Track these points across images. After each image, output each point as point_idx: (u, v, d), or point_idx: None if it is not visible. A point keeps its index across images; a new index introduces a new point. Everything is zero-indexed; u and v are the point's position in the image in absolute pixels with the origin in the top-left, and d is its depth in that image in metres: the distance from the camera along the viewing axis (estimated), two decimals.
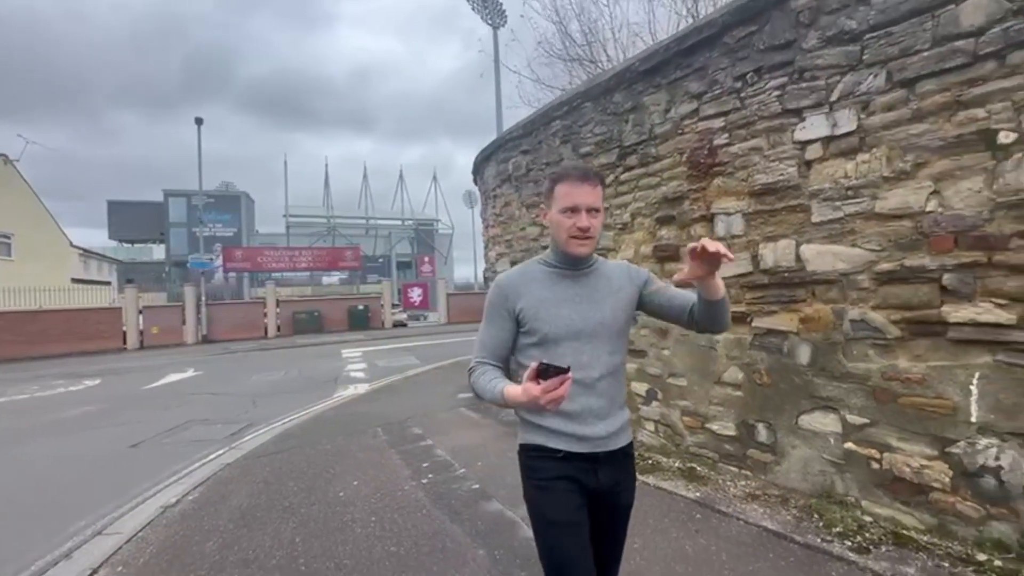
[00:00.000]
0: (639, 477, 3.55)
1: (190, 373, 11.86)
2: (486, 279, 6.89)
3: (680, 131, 3.74)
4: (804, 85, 2.97)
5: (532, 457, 1.39)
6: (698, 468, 3.61)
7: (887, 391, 2.66)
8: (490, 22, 17.16)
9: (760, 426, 3.29)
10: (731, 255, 1.20)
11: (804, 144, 2.99)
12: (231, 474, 4.28)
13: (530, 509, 1.40)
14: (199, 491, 3.92)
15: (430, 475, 3.98)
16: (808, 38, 2.95)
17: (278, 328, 23.15)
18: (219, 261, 28.27)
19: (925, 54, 2.48)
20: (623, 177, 4.27)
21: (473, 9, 17.48)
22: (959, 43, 2.37)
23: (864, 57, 2.71)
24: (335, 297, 26.45)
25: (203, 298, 21.41)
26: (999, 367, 2.29)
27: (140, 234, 42.77)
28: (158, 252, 44.07)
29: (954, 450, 2.44)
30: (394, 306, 26.49)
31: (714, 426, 3.58)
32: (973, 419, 2.37)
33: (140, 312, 20.58)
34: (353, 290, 30.52)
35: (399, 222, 47.49)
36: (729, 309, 1.40)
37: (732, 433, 3.46)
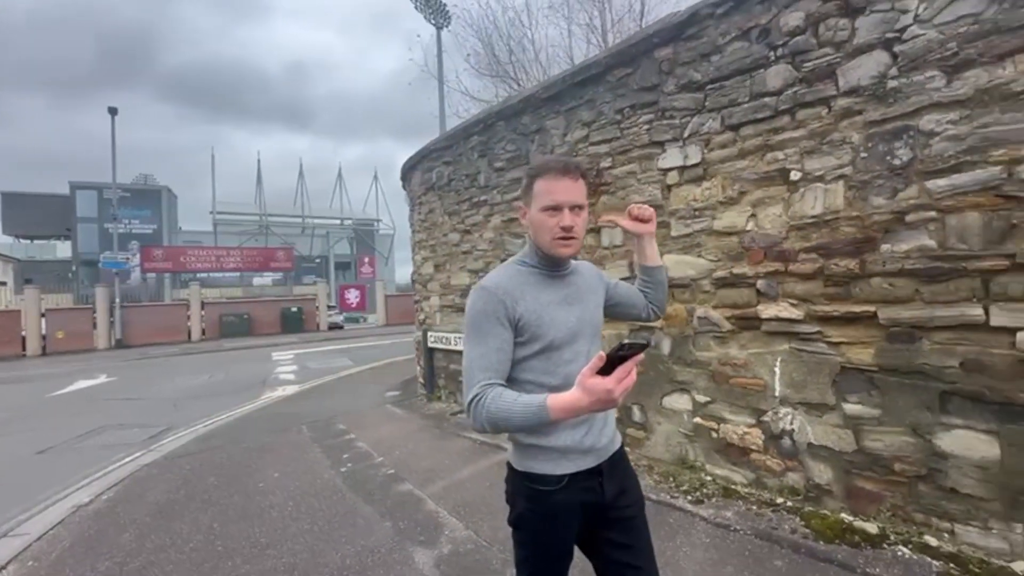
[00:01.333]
0: None
1: (102, 379, 11.24)
2: (413, 282, 7.20)
3: (575, 153, 4.28)
4: (665, 122, 3.58)
5: (538, 490, 1.24)
6: None
7: (722, 374, 3.30)
8: (433, 22, 17.31)
9: (635, 408, 3.88)
10: (646, 213, 1.47)
11: (665, 171, 3.60)
12: (149, 473, 4.36)
13: (525, 540, 1.29)
14: (115, 490, 3.99)
15: (349, 464, 4.27)
16: (668, 84, 3.56)
17: (203, 332, 22.06)
18: (136, 260, 26.43)
19: (745, 105, 3.13)
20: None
21: (416, 8, 17.57)
22: (767, 99, 3.02)
23: (706, 103, 3.34)
24: (267, 299, 25.53)
25: (117, 300, 20.02)
26: (792, 352, 2.96)
27: (41, 230, 38.91)
28: (63, 250, 40.28)
29: (765, 419, 3.09)
30: (330, 308, 25.94)
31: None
32: (776, 393, 3.04)
33: (43, 315, 18.94)
34: (287, 292, 29.50)
35: (338, 222, 46.21)
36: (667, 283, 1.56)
37: (616, 415, 4.02)
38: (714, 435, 3.36)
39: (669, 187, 3.58)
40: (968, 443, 2.36)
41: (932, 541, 2.44)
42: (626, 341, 0.94)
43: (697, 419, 3.46)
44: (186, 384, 9.83)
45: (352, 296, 27.57)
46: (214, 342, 20.73)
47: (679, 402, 3.57)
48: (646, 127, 3.71)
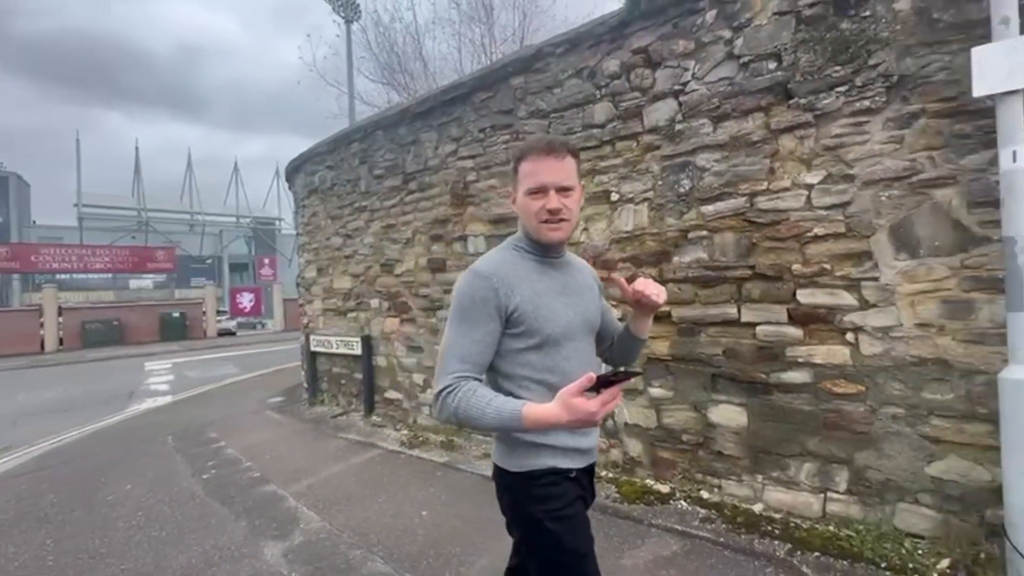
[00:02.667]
0: (408, 452, 4.29)
1: None
2: (297, 285, 7.09)
3: (445, 166, 4.59)
4: (519, 144, 3.99)
5: (546, 484, 1.16)
6: (456, 440, 4.46)
7: None
8: (343, 14, 16.79)
9: None
10: (660, 299, 1.25)
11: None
12: None
13: (547, 545, 1.15)
14: None
15: (213, 471, 4.20)
16: (520, 109, 3.98)
17: (60, 341, 19.38)
18: None
19: (579, 134, 3.62)
20: (407, 199, 5.00)
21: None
22: (594, 130, 3.54)
23: (550, 129, 3.80)
24: (143, 303, 23.03)
25: None
26: None
27: None
28: None
29: None
30: (220, 313, 24.03)
31: None
32: None
33: None
34: (169, 296, 26.80)
35: (233, 219, 42.71)
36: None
37: None
38: None
39: None
40: (728, 415, 2.98)
41: (705, 495, 3.04)
42: (621, 369, 0.94)
43: None
44: (32, 400, 8.72)
45: (246, 300, 25.69)
46: (74, 352, 18.30)
47: None
48: (504, 146, 4.11)
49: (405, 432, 4.84)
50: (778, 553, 2.44)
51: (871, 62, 2.47)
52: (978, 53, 2.06)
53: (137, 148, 45.52)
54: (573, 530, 1.16)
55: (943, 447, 2.33)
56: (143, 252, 26.90)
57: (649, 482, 3.26)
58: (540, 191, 1.16)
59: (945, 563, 2.23)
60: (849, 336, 2.58)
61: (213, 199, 43.13)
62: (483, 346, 1.13)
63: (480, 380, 1.12)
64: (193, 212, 40.09)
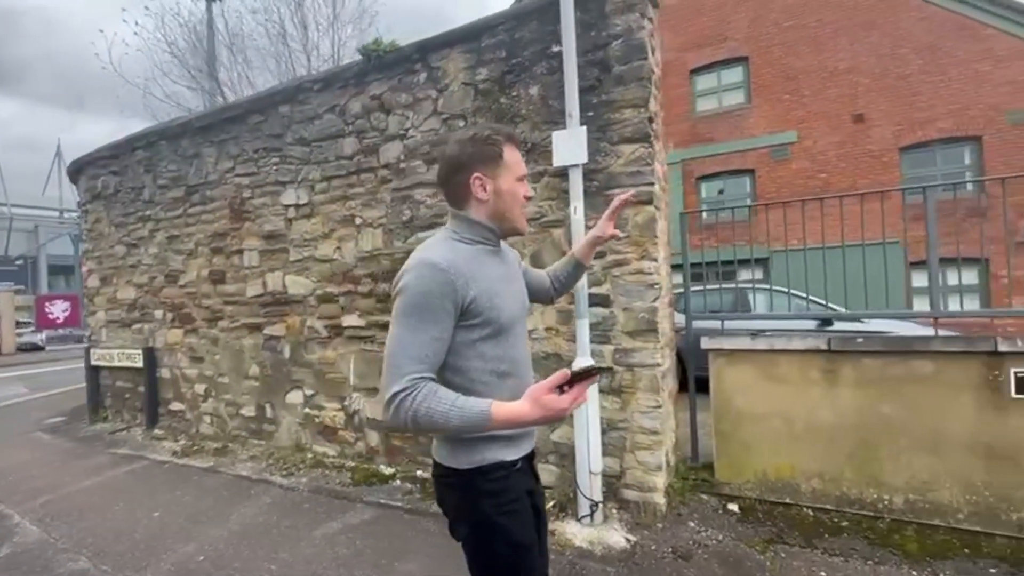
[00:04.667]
0: (176, 461, 4.36)
1: None
2: (81, 295, 6.58)
3: (224, 182, 4.75)
4: (286, 166, 4.34)
5: (497, 478, 1.14)
6: (231, 445, 4.63)
7: (322, 372, 4.18)
8: None
9: (267, 406, 4.52)
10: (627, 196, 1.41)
11: (286, 207, 4.36)
12: None
13: (493, 539, 1.14)
14: None
15: None
16: (288, 135, 4.33)
17: None
18: None
19: (334, 163, 4.08)
20: (190, 211, 5.04)
21: None
22: (344, 161, 4.02)
23: (312, 157, 4.20)
24: None
25: None
26: (360, 352, 3.99)
27: None
28: None
29: (345, 403, 4.06)
30: (23, 324, 20.41)
31: (244, 411, 4.67)
32: (351, 383, 4.02)
33: None
34: None
35: (55, 213, 36.27)
36: None
37: (253, 414, 4.61)
38: (317, 420, 4.21)
39: (289, 220, 4.35)
40: None
41: (420, 473, 3.65)
42: (593, 365, 0.97)
43: (307, 409, 4.27)
44: None
45: (58, 309, 22.00)
46: None
47: (296, 397, 4.34)
48: (274, 168, 4.42)
49: (183, 442, 4.87)
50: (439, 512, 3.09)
51: (518, 131, 3.27)
52: (556, 135, 2.91)
53: None
54: (521, 524, 1.15)
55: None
56: None
57: (381, 468, 3.80)
58: (523, 179, 1.21)
59: (552, 503, 3.04)
60: None
61: (27, 189, 36.33)
62: (440, 344, 1.07)
63: (435, 380, 1.05)
64: None
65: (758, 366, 3.04)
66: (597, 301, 3.06)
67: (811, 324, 5.01)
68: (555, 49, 3.09)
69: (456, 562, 2.54)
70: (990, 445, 2.53)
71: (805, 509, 2.90)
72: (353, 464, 3.93)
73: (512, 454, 1.17)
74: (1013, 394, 2.48)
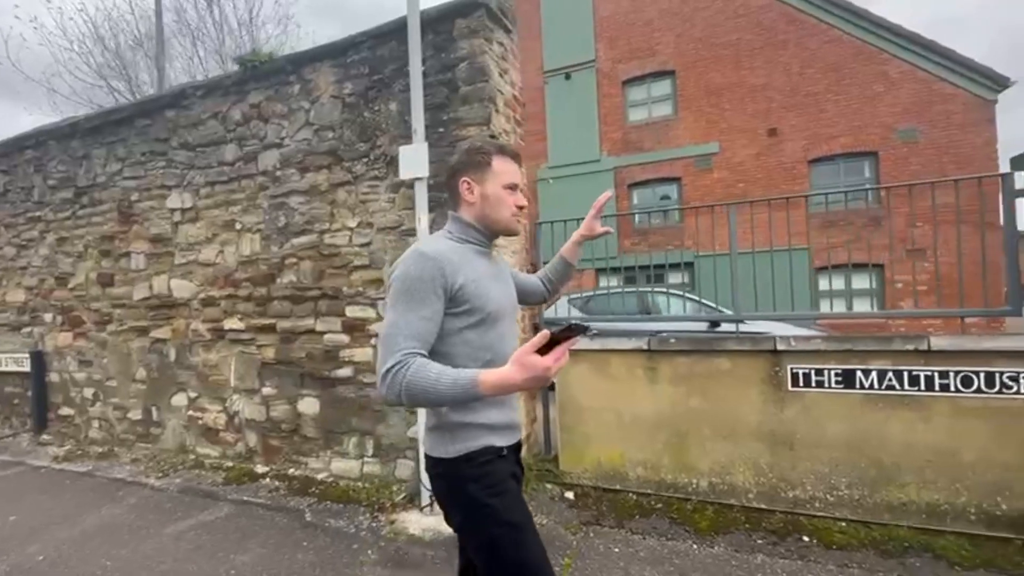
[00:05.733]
0: (54, 467, 4.31)
1: None
2: None
3: (113, 184, 4.72)
4: (172, 170, 4.38)
5: (483, 463, 1.20)
6: (117, 449, 4.61)
7: (204, 374, 4.23)
8: None
9: (153, 409, 4.53)
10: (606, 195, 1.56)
11: (172, 210, 4.39)
12: None
13: (485, 521, 1.18)
14: None
15: None
16: (173, 140, 4.36)
17: None
18: None
19: (216, 169, 4.14)
20: (80, 213, 4.97)
21: None
22: (226, 168, 4.09)
23: (196, 162, 4.25)
24: None
25: None
26: (240, 354, 4.07)
27: None
28: None
29: (227, 404, 4.13)
30: None
31: (131, 414, 4.65)
32: (232, 385, 4.10)
33: None
34: None
35: None
36: None
37: (140, 417, 4.60)
38: (200, 422, 4.26)
39: (176, 224, 4.38)
40: (309, 405, 3.75)
41: (292, 471, 3.77)
42: (573, 322, 0.99)
43: (190, 412, 4.31)
44: None
45: None
46: None
47: (180, 400, 4.37)
48: (161, 171, 4.44)
49: (69, 447, 4.80)
50: (300, 507, 3.24)
51: (378, 144, 3.45)
52: (402, 150, 3.11)
53: None
54: (510, 504, 1.20)
55: (412, 416, 3.36)
56: None
57: (257, 467, 3.89)
58: (514, 187, 1.31)
59: (403, 495, 3.23)
60: (372, 340, 3.51)
61: None
62: (431, 324, 1.15)
63: (427, 357, 1.12)
64: None
65: (595, 364, 3.32)
66: None
67: (703, 325, 5.32)
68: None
69: (290, 552, 2.71)
70: (773, 432, 2.88)
71: (630, 494, 3.19)
72: (231, 464, 4.00)
73: (499, 440, 1.24)
74: (790, 387, 2.84)
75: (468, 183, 1.30)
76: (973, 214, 3.18)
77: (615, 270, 11.32)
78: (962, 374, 2.51)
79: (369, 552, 2.67)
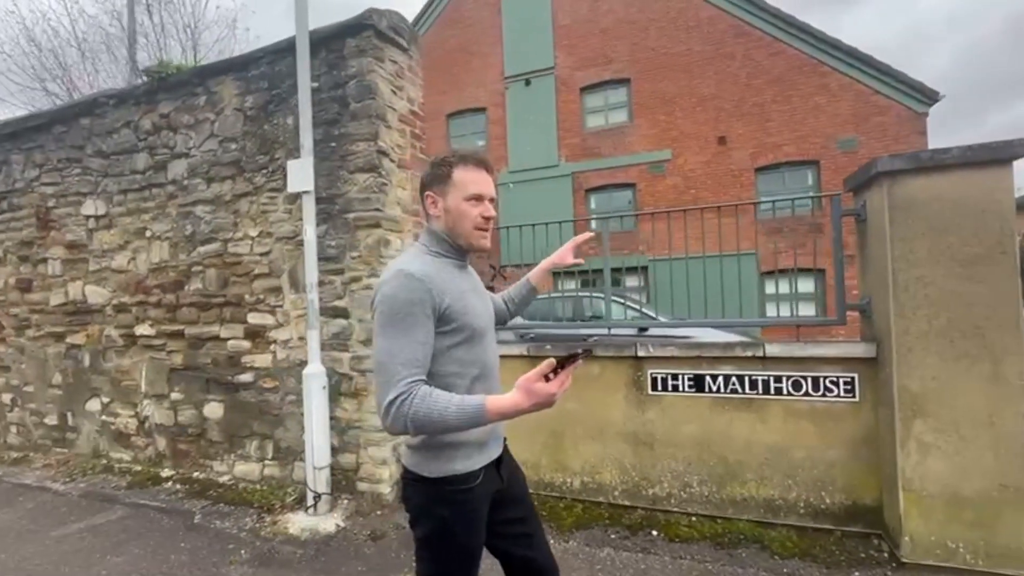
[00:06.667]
0: None
1: None
2: None
3: (31, 190, 4.74)
4: (88, 177, 4.41)
5: (462, 491, 1.21)
6: (32, 454, 4.62)
7: (117, 379, 4.28)
8: None
9: (69, 414, 4.55)
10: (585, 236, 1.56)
11: (88, 217, 4.43)
12: None
13: (445, 543, 1.21)
14: None
15: None
16: (88, 147, 4.40)
17: None
18: None
19: (129, 177, 4.20)
20: None
21: None
22: (138, 176, 4.15)
23: (110, 170, 4.30)
24: None
25: None
26: (151, 360, 4.13)
27: None
28: None
29: (138, 409, 4.18)
30: None
31: (47, 420, 4.67)
32: (143, 390, 4.16)
33: None
34: None
35: None
36: None
37: (56, 422, 4.62)
38: (113, 427, 4.31)
39: (91, 231, 4.42)
40: (214, 409, 3.84)
41: (197, 474, 3.85)
42: (578, 349, 1.00)
43: (104, 417, 4.36)
44: None
45: None
46: None
47: (94, 405, 4.41)
48: (77, 178, 4.47)
49: None
50: (193, 509, 3.32)
51: (276, 156, 3.56)
52: (289, 164, 3.23)
53: None
54: (475, 534, 1.23)
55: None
56: None
57: (164, 471, 3.96)
58: (478, 199, 1.24)
59: (293, 497, 3.34)
60: (272, 346, 3.62)
61: None
62: (427, 347, 1.14)
63: (428, 383, 1.12)
64: None
65: None
66: (339, 313, 3.40)
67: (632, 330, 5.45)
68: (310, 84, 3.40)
69: (165, 553, 2.80)
70: (636, 433, 3.07)
71: None
72: (140, 468, 4.06)
73: (481, 460, 1.23)
74: (650, 391, 3.03)
75: (432, 197, 1.28)
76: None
77: (569, 274, 11.57)
78: (793, 378, 2.73)
79: (242, 552, 2.78)
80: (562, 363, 0.98)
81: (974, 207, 2.25)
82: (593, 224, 12.43)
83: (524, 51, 12.98)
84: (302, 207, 3.31)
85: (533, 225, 3.89)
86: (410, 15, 14.38)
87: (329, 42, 3.39)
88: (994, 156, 2.22)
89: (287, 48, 3.48)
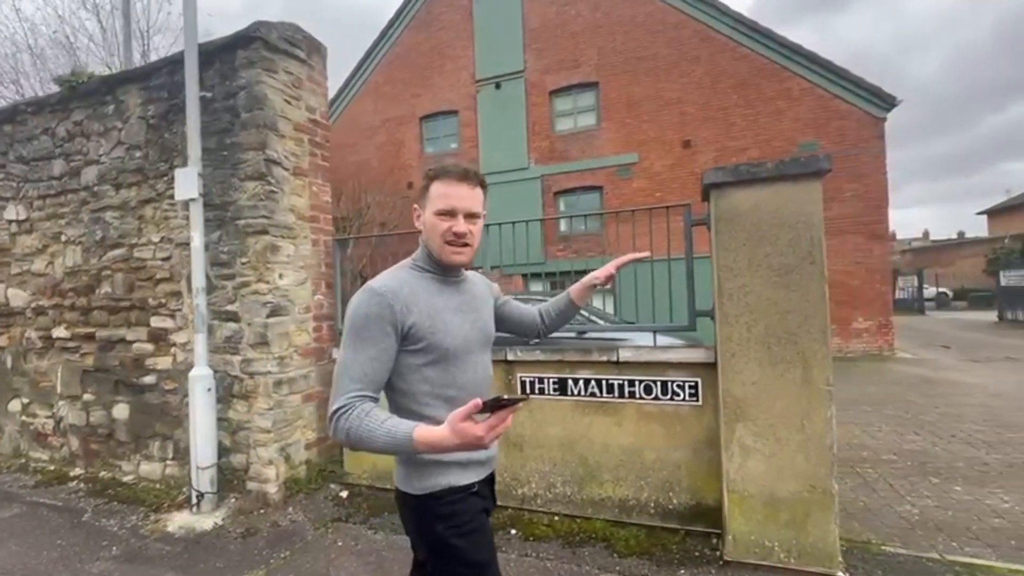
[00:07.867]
0: None
1: None
2: None
3: None
4: (9, 183, 4.51)
5: (452, 502, 1.19)
6: None
7: (36, 381, 4.37)
8: None
9: None
10: (640, 255, 1.53)
11: (10, 221, 4.52)
12: None
13: (451, 562, 1.19)
14: None
15: None
16: (10, 153, 4.49)
17: None
18: None
19: (47, 182, 4.29)
20: None
21: None
22: (54, 182, 4.25)
23: (30, 175, 4.39)
24: None
25: None
26: (66, 362, 4.22)
27: None
28: None
29: (54, 410, 4.28)
30: None
31: None
32: (59, 391, 4.25)
33: None
34: None
35: None
36: None
37: None
38: (32, 427, 4.40)
39: (13, 235, 4.51)
40: (122, 410, 3.93)
41: (103, 474, 3.94)
42: (505, 396, 0.92)
43: (24, 417, 4.45)
44: None
45: None
46: None
47: (15, 405, 4.51)
48: (0, 183, 4.57)
49: None
50: (86, 508, 3.42)
51: (175, 164, 3.65)
52: (177, 172, 3.32)
53: None
54: (476, 544, 1.20)
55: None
56: None
57: (74, 470, 4.06)
58: (449, 213, 1.20)
59: (183, 496, 3.43)
60: (172, 349, 3.71)
61: None
62: (379, 364, 1.13)
63: (376, 399, 1.12)
64: None
65: None
66: (231, 317, 3.49)
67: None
68: (203, 95, 3.49)
69: (38, 550, 2.89)
70: (507, 434, 3.15)
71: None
72: (53, 468, 4.16)
73: (468, 478, 1.21)
74: (519, 393, 3.12)
75: (416, 210, 1.28)
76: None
77: (537, 275, 11.66)
78: (644, 383, 2.82)
79: (113, 549, 2.87)
80: (491, 407, 0.91)
81: (788, 219, 2.34)
82: (562, 226, 12.57)
83: (495, 54, 13.08)
84: (190, 214, 3.40)
85: (500, 224, 3.73)
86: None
87: (222, 53, 3.48)
88: (804, 170, 2.31)
89: (183, 60, 3.58)
